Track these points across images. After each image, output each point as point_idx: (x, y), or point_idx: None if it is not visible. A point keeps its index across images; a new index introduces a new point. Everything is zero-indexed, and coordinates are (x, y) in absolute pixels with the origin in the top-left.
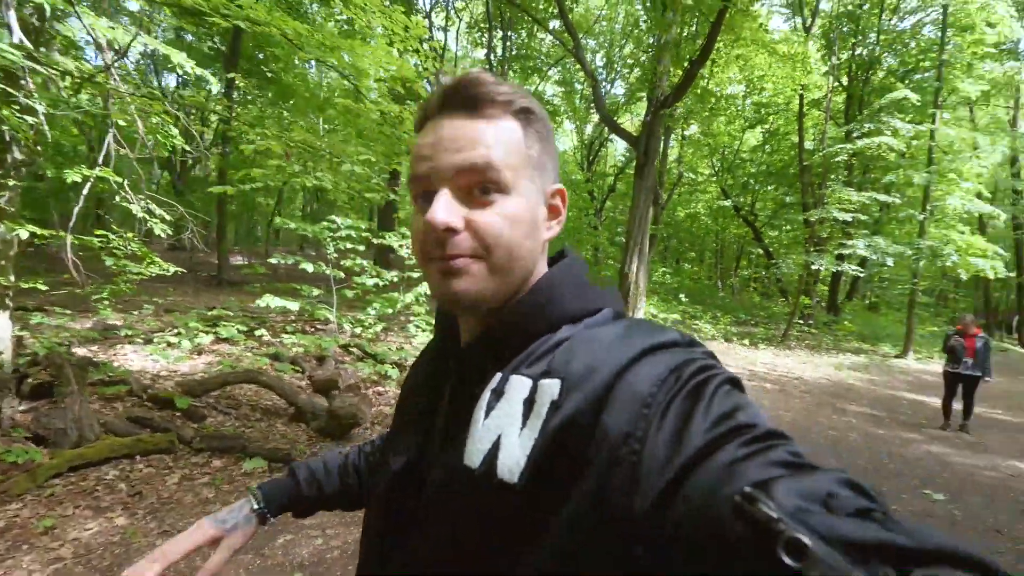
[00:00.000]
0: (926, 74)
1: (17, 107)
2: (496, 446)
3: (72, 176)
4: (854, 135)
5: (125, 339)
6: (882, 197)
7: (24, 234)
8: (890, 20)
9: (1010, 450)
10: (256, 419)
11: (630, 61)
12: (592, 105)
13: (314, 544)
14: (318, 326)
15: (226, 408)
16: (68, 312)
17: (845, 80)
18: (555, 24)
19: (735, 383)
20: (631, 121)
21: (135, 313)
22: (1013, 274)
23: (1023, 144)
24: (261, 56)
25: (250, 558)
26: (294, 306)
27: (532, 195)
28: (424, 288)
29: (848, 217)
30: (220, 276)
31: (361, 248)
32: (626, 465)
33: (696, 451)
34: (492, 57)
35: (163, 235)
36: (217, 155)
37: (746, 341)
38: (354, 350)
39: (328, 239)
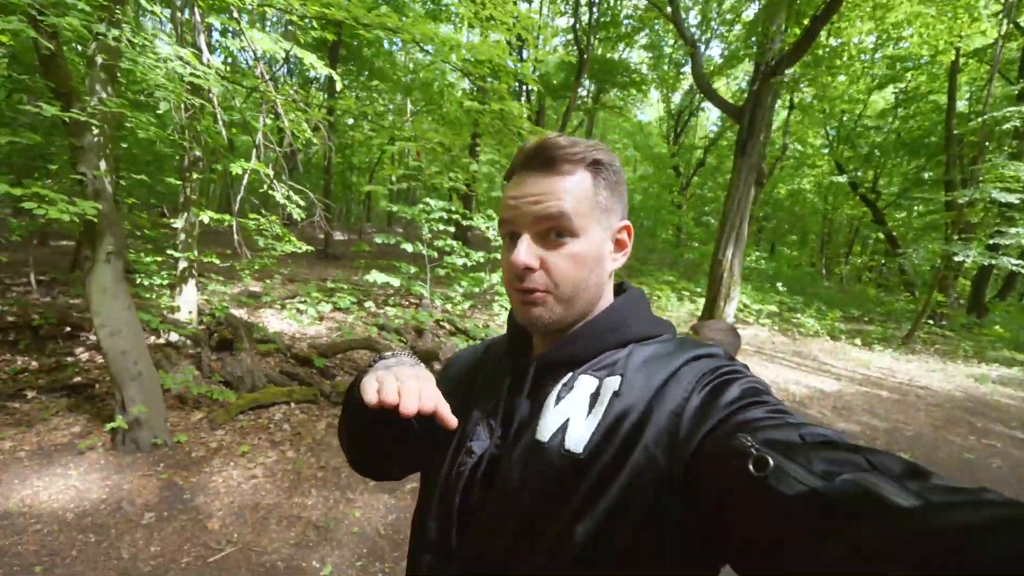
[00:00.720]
0: None
1: (211, 118)
2: (564, 426)
3: (236, 168)
4: None
5: (266, 304)
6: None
7: (205, 218)
8: None
9: None
10: None
11: (729, 16)
12: (681, 71)
13: None
14: (412, 300)
15: (351, 369)
16: (221, 279)
17: (1006, 27)
18: None
19: (759, 383)
20: (726, 86)
21: (268, 282)
22: None
23: None
24: (356, 43)
25: (386, 498)
26: (396, 282)
27: (598, 235)
28: None
29: (1014, 199)
30: (327, 251)
31: (452, 229)
32: (668, 438)
33: (720, 418)
34: (576, 26)
35: (299, 218)
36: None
37: (858, 340)
38: (445, 325)
39: (424, 221)
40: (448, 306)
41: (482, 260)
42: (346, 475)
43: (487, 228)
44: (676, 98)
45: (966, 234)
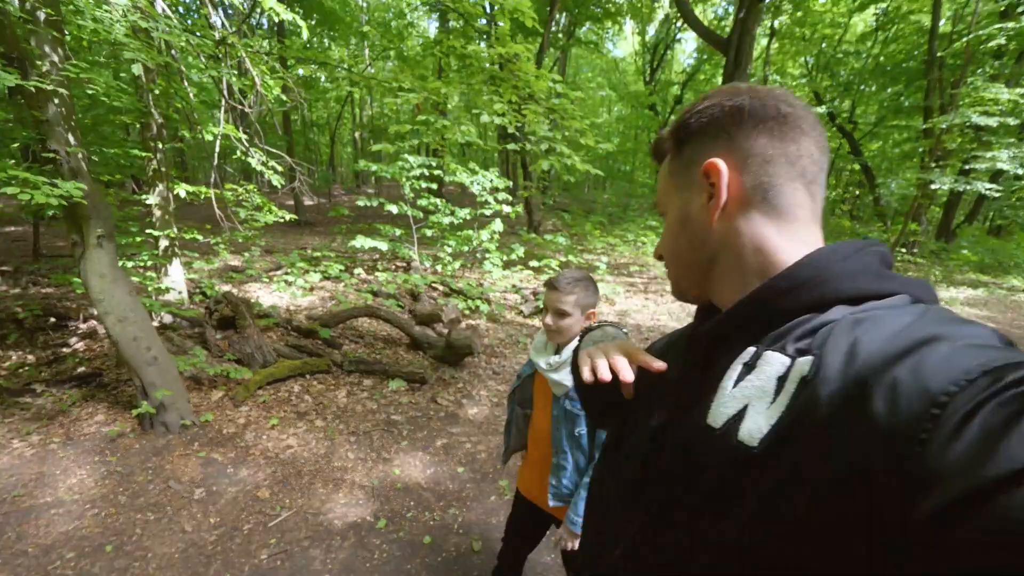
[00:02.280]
0: None
1: (177, 78)
2: (741, 413)
3: (208, 135)
4: (1019, 10)
5: (251, 279)
6: None
7: (182, 192)
8: None
9: None
10: (380, 347)
11: None
12: (655, 0)
13: (464, 448)
14: (399, 263)
15: (353, 338)
16: (197, 256)
17: None
18: None
19: None
20: (702, 13)
21: (247, 255)
22: None
23: None
24: None
25: (420, 455)
26: (383, 246)
27: (677, 202)
28: (497, 225)
29: (992, 121)
30: (299, 219)
31: (434, 187)
32: (895, 462)
33: (1012, 472)
34: None
35: (279, 185)
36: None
37: None
38: (439, 287)
39: (405, 179)
40: (438, 267)
41: (468, 217)
42: (377, 438)
43: (471, 183)
44: (651, 31)
45: (942, 161)
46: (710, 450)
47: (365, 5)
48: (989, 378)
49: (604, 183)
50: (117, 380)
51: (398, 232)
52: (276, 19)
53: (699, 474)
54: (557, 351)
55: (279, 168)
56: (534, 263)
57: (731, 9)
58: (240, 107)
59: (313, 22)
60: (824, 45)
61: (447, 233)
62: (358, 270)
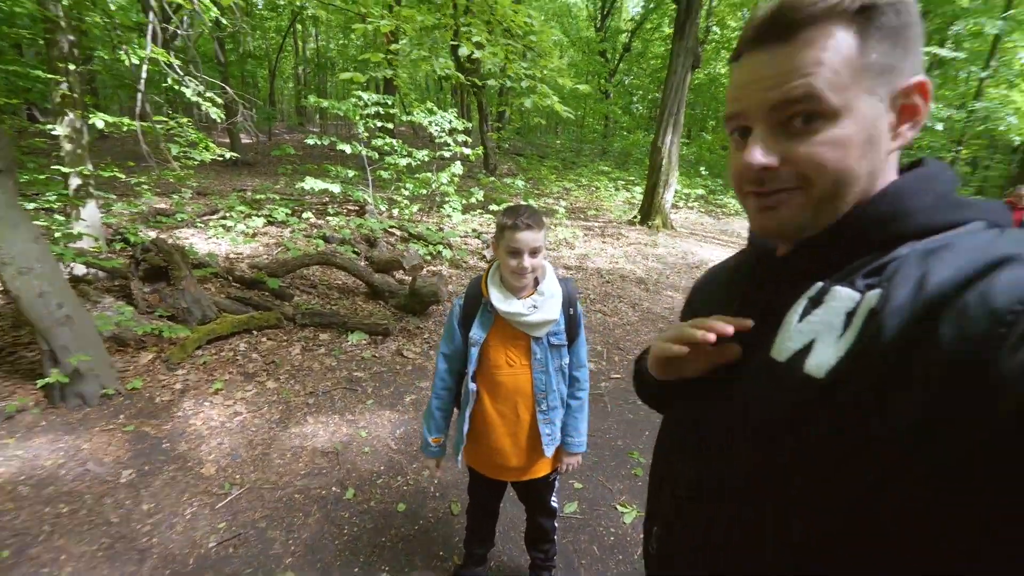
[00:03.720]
0: None
1: None
2: (807, 348)
3: (131, 59)
4: None
5: (182, 224)
6: (943, 51)
7: (99, 123)
8: None
9: None
10: (336, 297)
11: None
12: None
13: None
14: (352, 207)
15: (306, 288)
16: (115, 198)
17: None
18: None
19: None
20: None
21: (176, 197)
22: None
23: None
24: None
25: (388, 414)
26: (335, 188)
27: (869, 110)
28: (457, 168)
29: None
30: (237, 158)
31: (389, 126)
32: (968, 380)
33: None
34: None
35: (218, 119)
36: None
37: None
38: (396, 232)
39: (358, 117)
40: (395, 211)
41: (427, 159)
42: (339, 398)
43: (430, 123)
44: None
45: None
46: (776, 384)
47: None
48: None
49: (556, 128)
50: (14, 344)
51: (351, 174)
52: None
53: (762, 412)
54: (518, 292)
55: (218, 100)
56: (494, 207)
57: None
58: (171, 28)
59: None
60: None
61: (404, 175)
62: (307, 214)
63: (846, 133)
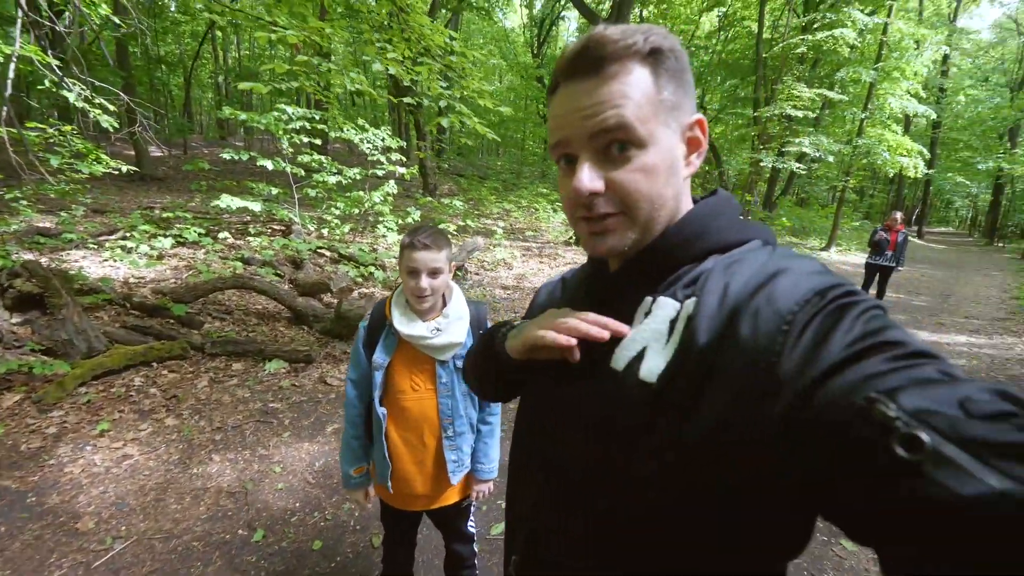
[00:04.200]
0: None
1: None
2: (640, 355)
3: None
4: (815, 26)
5: (71, 245)
6: (832, 94)
7: None
8: None
9: (913, 325)
10: (254, 323)
11: None
12: None
13: None
14: (276, 227)
15: (219, 314)
16: None
17: None
18: None
19: (883, 310)
20: None
21: (64, 215)
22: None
23: (957, 40)
24: None
25: (307, 446)
26: (256, 206)
27: (668, 140)
28: (391, 187)
29: (800, 114)
30: (142, 172)
31: (318, 142)
32: (762, 374)
33: (833, 363)
34: None
35: (110, 128)
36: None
37: None
38: (326, 253)
39: (281, 132)
40: (324, 231)
41: (358, 177)
42: (251, 432)
43: (361, 141)
44: (538, 5)
45: (767, 144)
46: (615, 392)
47: None
48: (818, 296)
49: (497, 150)
50: None
51: (275, 191)
52: None
53: (603, 421)
54: (424, 315)
55: (111, 107)
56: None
57: None
58: (48, 25)
59: None
60: (680, 38)
61: (334, 194)
62: (224, 234)
63: (653, 161)
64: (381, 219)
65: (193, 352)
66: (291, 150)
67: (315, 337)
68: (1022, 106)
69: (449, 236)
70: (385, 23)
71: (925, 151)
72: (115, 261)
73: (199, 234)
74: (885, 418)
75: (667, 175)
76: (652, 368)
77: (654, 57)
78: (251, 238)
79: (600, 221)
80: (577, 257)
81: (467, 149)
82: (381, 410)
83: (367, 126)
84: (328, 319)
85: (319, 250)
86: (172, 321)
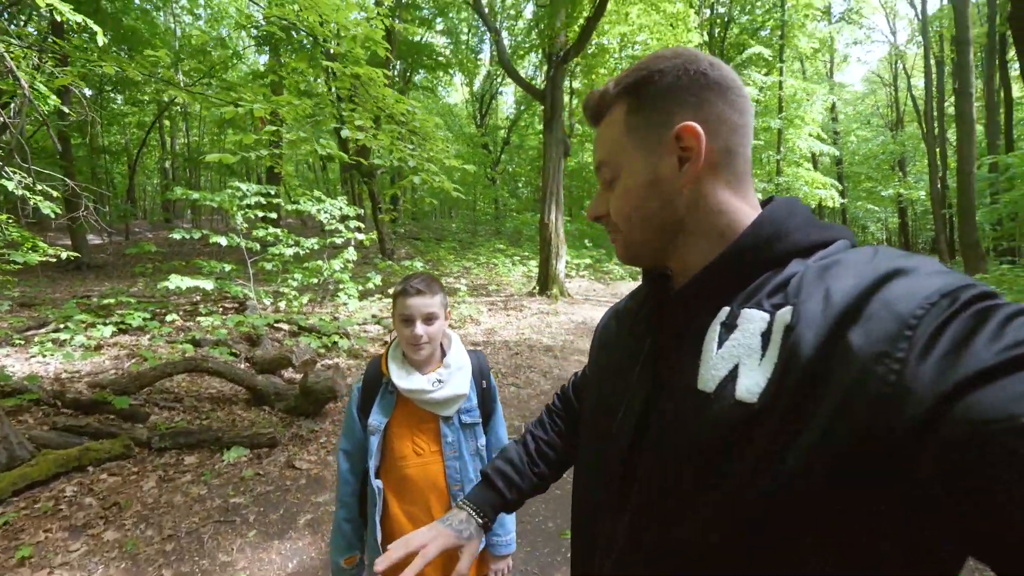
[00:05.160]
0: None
1: None
2: (733, 373)
3: None
4: None
5: None
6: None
7: None
8: None
9: None
10: (209, 409)
11: (512, 12)
12: (478, 57)
13: None
14: (229, 304)
15: (168, 403)
16: None
17: (704, 37)
18: None
19: None
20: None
21: None
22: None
23: (839, 92)
24: None
25: (278, 544)
26: (209, 284)
27: (641, 162)
28: (350, 254)
29: None
30: (81, 260)
31: (274, 216)
32: (880, 383)
33: (982, 369)
34: (378, 6)
35: (52, 213)
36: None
37: None
38: (284, 326)
39: (235, 209)
40: (282, 304)
41: (316, 247)
42: (210, 536)
43: (318, 212)
44: (477, 83)
45: None
46: (708, 416)
47: (179, 32)
48: (948, 299)
49: (450, 212)
50: None
51: (228, 268)
52: (60, 19)
53: (695, 447)
54: (422, 367)
55: (54, 193)
56: (393, 290)
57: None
58: None
59: (108, 39)
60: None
61: (291, 266)
62: (172, 316)
63: (627, 185)
64: (341, 286)
65: (138, 449)
66: (246, 226)
67: (279, 417)
68: (903, 142)
69: (442, 283)
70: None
71: (837, 183)
72: (44, 356)
73: (144, 319)
74: None
75: (646, 191)
76: (750, 386)
77: (632, 90)
78: (202, 318)
79: (613, 236)
80: (543, 306)
81: (421, 213)
82: (377, 483)
83: (323, 196)
84: (292, 396)
85: (277, 324)
86: (112, 417)
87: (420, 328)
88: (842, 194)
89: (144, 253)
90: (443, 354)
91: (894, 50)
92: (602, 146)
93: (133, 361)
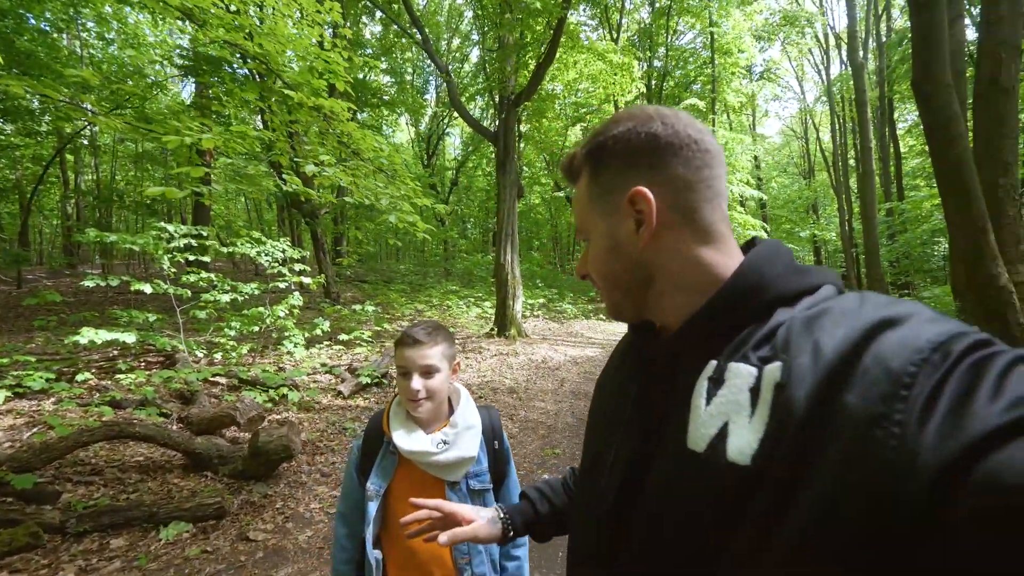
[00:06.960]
0: (703, 87)
1: None
2: (723, 431)
3: None
4: None
5: None
6: None
7: None
8: (674, 39)
9: None
10: (137, 481)
11: (458, 55)
12: (424, 97)
13: None
14: (155, 359)
15: (85, 477)
16: None
17: (643, 88)
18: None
19: None
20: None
21: None
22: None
23: (761, 142)
24: None
25: None
26: (130, 337)
27: (602, 226)
28: (296, 299)
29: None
30: None
31: (206, 260)
32: (882, 448)
33: (986, 432)
34: (322, 43)
35: None
36: None
37: (601, 316)
38: (222, 380)
39: (161, 252)
40: (218, 355)
41: (257, 292)
42: None
43: (258, 254)
44: (423, 124)
45: None
46: (701, 479)
47: (88, 57)
48: (940, 354)
49: (397, 254)
50: None
51: (152, 318)
52: None
53: (688, 512)
54: (427, 426)
55: None
56: (343, 336)
57: (486, 114)
58: None
59: None
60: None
61: (227, 314)
62: (84, 375)
63: (594, 249)
64: (287, 334)
65: (48, 537)
66: (173, 270)
67: (224, 483)
68: (815, 188)
69: (448, 330)
70: (306, 130)
71: (766, 225)
72: None
73: (47, 379)
74: None
75: (609, 254)
76: (742, 447)
77: (593, 157)
78: (121, 376)
79: (599, 292)
80: (501, 347)
81: (367, 254)
82: (374, 554)
83: (263, 238)
84: (239, 458)
85: (213, 378)
86: (11, 500)
87: (417, 382)
88: (768, 234)
89: (46, 303)
90: (451, 411)
91: (804, 107)
92: (576, 211)
93: (36, 430)
